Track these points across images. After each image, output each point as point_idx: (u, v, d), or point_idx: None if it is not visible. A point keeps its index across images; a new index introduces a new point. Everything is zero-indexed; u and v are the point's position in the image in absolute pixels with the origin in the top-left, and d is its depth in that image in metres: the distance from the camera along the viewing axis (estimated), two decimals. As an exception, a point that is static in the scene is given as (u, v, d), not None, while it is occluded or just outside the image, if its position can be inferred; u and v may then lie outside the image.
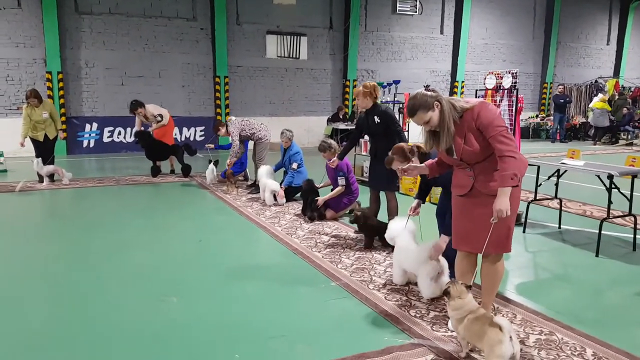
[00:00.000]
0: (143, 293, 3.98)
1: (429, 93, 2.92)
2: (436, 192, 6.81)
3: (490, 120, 2.82)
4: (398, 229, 4.06)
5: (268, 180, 7.22)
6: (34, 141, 8.67)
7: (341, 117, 15.29)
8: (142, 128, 9.60)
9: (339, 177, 6.17)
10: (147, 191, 8.45)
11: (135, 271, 4.51)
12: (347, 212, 6.47)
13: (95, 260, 4.83)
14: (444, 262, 3.70)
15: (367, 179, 8.39)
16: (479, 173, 2.95)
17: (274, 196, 7.18)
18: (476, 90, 9.10)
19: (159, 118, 9.48)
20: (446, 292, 2.91)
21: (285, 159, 7.56)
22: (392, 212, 5.30)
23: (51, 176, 8.79)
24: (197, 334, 3.27)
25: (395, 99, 8.51)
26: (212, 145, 9.17)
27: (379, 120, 5.15)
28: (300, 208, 6.68)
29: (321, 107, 16.38)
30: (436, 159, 3.30)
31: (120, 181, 9.19)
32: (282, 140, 7.54)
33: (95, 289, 4.08)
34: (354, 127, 13.65)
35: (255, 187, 8.12)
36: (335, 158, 5.87)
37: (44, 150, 8.71)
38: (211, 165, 8.92)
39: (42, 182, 8.66)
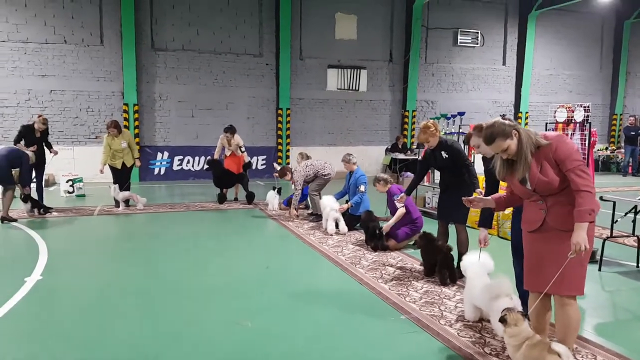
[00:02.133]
0: (216, 314, 4.15)
1: (507, 122, 2.91)
2: (506, 224, 6.70)
3: (568, 154, 2.79)
4: (470, 262, 4.00)
5: (331, 203, 7.32)
6: (112, 168, 9.29)
7: (400, 147, 15.31)
8: (219, 157, 10.11)
9: (395, 200, 6.09)
10: (214, 217, 8.80)
11: (208, 292, 4.71)
12: (412, 243, 6.44)
13: (170, 280, 5.10)
14: (516, 300, 3.59)
15: (430, 210, 8.46)
16: (552, 206, 2.87)
17: (336, 225, 7.26)
18: (546, 124, 8.87)
19: (243, 149, 10.07)
20: (502, 320, 2.85)
21: (350, 182, 7.68)
22: (463, 245, 5.20)
23: (127, 201, 9.36)
24: (268, 357, 3.36)
25: (460, 131, 8.46)
26: (277, 174, 9.46)
27: (447, 155, 5.16)
28: (363, 238, 6.70)
29: (379, 137, 16.52)
30: (505, 193, 3.26)
31: (190, 207, 9.63)
32: (347, 166, 7.70)
33: (173, 307, 4.30)
34: (412, 157, 13.86)
35: (315, 215, 8.29)
36: (403, 194, 5.84)
37: (121, 177, 9.31)
38: (274, 193, 9.20)
39: (119, 206, 9.22)
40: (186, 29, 14.28)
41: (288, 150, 15.33)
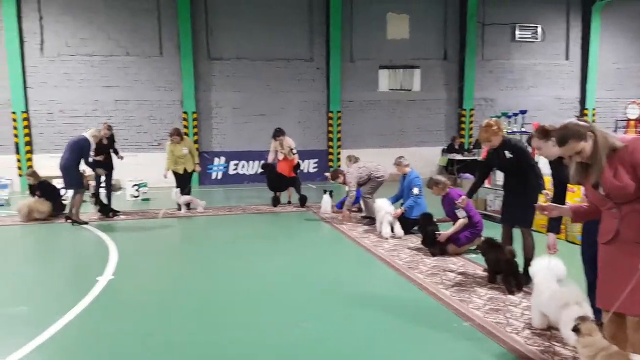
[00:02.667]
0: (273, 313, 4.23)
1: (581, 123, 2.71)
2: (574, 228, 6.33)
3: None
4: (540, 267, 3.80)
5: (386, 206, 7.18)
6: (175, 173, 9.66)
7: (457, 147, 14.91)
8: (272, 161, 10.24)
9: (456, 210, 5.96)
10: (269, 219, 8.96)
11: (265, 292, 4.81)
12: (473, 248, 6.23)
13: (229, 281, 5.24)
14: (587, 307, 3.36)
15: (490, 213, 8.14)
16: (626, 215, 2.64)
17: (391, 228, 7.13)
18: (616, 121, 8.33)
19: (294, 151, 10.16)
20: (576, 329, 2.69)
21: (404, 185, 7.50)
22: (528, 251, 4.93)
23: (188, 205, 9.69)
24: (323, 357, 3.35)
25: (523, 129, 8.09)
26: (329, 176, 9.47)
27: (511, 155, 4.92)
28: (420, 241, 6.53)
29: (434, 137, 16.17)
30: (585, 203, 3.06)
31: (245, 210, 9.85)
32: (399, 169, 7.53)
33: (231, 308, 4.41)
34: (470, 157, 13.44)
35: (369, 219, 8.19)
36: (463, 197, 5.66)
37: (183, 181, 9.66)
38: (327, 196, 9.21)
39: (180, 209, 9.58)
40: (239, 38, 14.62)
41: (339, 153, 15.33)
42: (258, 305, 4.49)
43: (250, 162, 14.97)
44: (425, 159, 15.50)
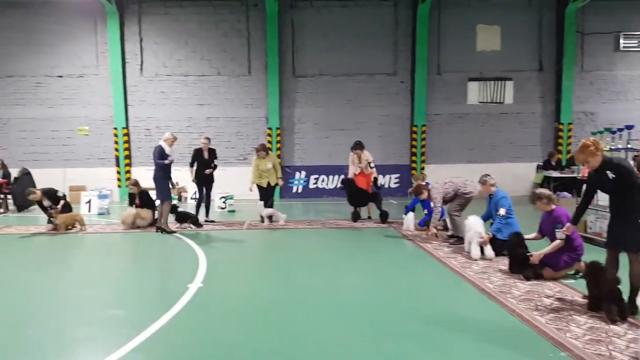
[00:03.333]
0: (355, 331, 4.10)
1: None
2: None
3: None
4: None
5: (476, 225, 6.75)
6: (259, 187, 9.91)
7: (554, 164, 13.89)
8: (352, 175, 10.16)
9: (557, 230, 5.47)
10: (349, 235, 8.86)
11: (347, 308, 4.70)
12: (572, 272, 5.70)
13: (309, 293, 5.23)
14: None
15: (591, 236, 7.44)
16: None
17: (481, 249, 6.71)
18: None
19: (372, 165, 10.02)
20: None
21: (491, 206, 7.06)
22: (637, 277, 4.42)
23: (270, 217, 9.88)
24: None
25: (629, 146, 7.32)
26: (412, 192, 9.23)
27: (613, 175, 4.45)
28: (508, 266, 6.07)
29: (528, 152, 15.24)
30: None
31: (325, 224, 9.84)
32: (484, 188, 7.02)
33: (315, 320, 4.39)
34: (569, 175, 12.42)
35: (456, 238, 7.79)
36: (568, 224, 5.16)
37: (266, 195, 9.88)
38: (410, 213, 8.95)
39: (263, 222, 9.80)
40: (323, 54, 14.87)
41: (423, 168, 14.92)
42: (340, 320, 4.40)
43: (330, 176, 15.08)
44: (518, 176, 14.68)
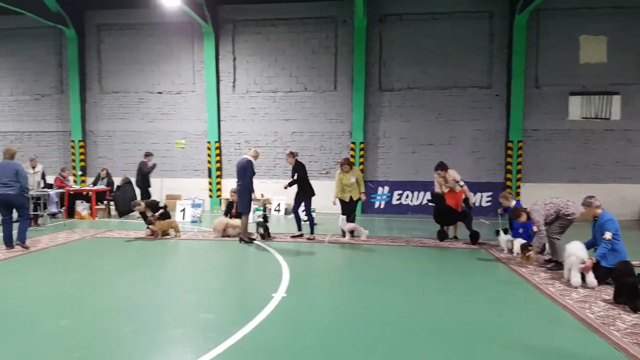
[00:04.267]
0: (444, 356, 3.87)
1: None
2: None
3: None
4: None
5: (578, 251, 6.18)
6: (341, 201, 9.86)
7: (666, 186, 12.48)
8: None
9: None
10: (435, 254, 8.46)
11: (433, 332, 4.44)
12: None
13: (392, 313, 5.01)
14: None
15: None
16: None
17: (582, 276, 6.12)
18: None
19: (461, 183, 9.52)
20: None
21: (595, 230, 6.42)
22: None
23: (352, 232, 9.78)
24: None
25: None
26: (501, 210, 8.72)
27: None
28: (613, 296, 5.47)
29: (637, 173, 13.88)
30: None
31: (409, 242, 9.52)
32: (588, 210, 6.43)
33: (399, 340, 4.21)
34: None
35: (554, 263, 7.17)
36: None
37: (348, 209, 9.79)
38: (503, 235, 8.41)
39: (345, 236, 9.73)
40: (412, 68, 14.64)
41: (518, 187, 14.06)
42: (426, 344, 4.17)
43: (415, 192, 14.69)
44: (625, 198, 13.42)
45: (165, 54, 15.63)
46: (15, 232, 8.40)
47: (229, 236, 9.78)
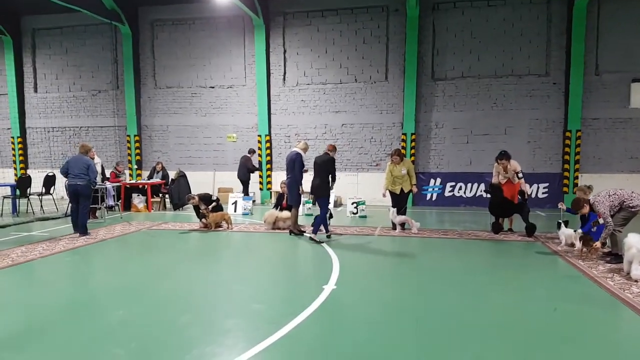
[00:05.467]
0: (502, 356, 3.79)
1: None
2: None
3: None
4: None
5: (638, 243, 5.96)
6: (392, 193, 9.82)
7: None
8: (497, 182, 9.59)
9: None
10: (490, 248, 8.30)
11: (485, 330, 4.37)
12: None
13: (444, 309, 4.95)
14: None
15: None
16: None
17: (644, 270, 5.88)
18: None
19: (520, 175, 9.31)
20: None
21: None
22: None
23: (402, 224, 9.74)
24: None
25: None
26: (563, 206, 8.42)
27: None
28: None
29: (703, 162, 13.01)
30: None
31: (462, 235, 9.38)
32: None
33: (448, 338, 4.13)
34: None
35: (614, 256, 6.91)
36: None
37: (399, 201, 9.75)
38: (564, 228, 8.15)
39: (395, 229, 9.69)
40: (467, 56, 14.30)
41: (576, 177, 13.50)
42: (477, 340, 4.12)
43: (469, 184, 14.38)
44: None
45: (217, 48, 16.00)
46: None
47: (279, 228, 9.95)
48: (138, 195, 13.39)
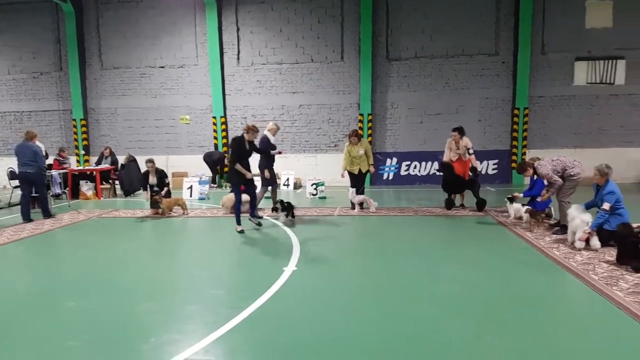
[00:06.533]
0: (453, 321, 3.99)
1: None
2: None
3: None
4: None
5: (580, 215, 6.34)
6: (350, 174, 9.92)
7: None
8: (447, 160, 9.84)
9: None
10: (443, 223, 8.59)
11: (443, 298, 4.57)
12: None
13: (403, 283, 5.12)
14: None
15: None
16: None
17: (587, 241, 6.26)
18: None
19: (471, 151, 9.61)
20: None
21: (597, 198, 6.51)
22: None
23: (361, 204, 9.88)
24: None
25: None
26: (518, 195, 8.72)
27: None
28: (616, 257, 5.65)
29: (641, 137, 13.87)
30: None
31: (418, 212, 9.64)
32: (594, 175, 6.50)
33: (407, 310, 4.28)
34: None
35: (560, 227, 7.30)
36: None
37: (357, 181, 9.87)
38: (514, 204, 8.50)
39: (354, 208, 9.82)
40: (420, 36, 14.46)
41: (524, 154, 14.08)
42: (436, 310, 4.30)
43: (423, 162, 14.72)
44: (629, 162, 13.53)
45: (167, 27, 15.45)
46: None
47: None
48: (86, 182, 12.86)
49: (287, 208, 8.74)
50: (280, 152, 9.52)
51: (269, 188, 9.58)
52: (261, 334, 3.86)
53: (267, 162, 9.25)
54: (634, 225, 5.54)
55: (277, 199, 9.32)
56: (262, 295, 4.71)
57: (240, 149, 7.89)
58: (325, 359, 3.40)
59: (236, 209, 8.11)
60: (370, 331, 3.86)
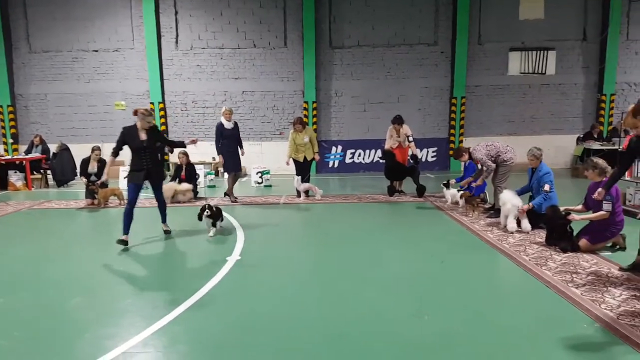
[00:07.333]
0: (395, 303, 4.14)
1: None
2: None
3: None
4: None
5: (512, 199, 6.69)
6: (295, 161, 9.91)
7: (595, 136, 13.40)
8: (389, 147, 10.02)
9: (605, 202, 5.31)
10: (385, 209, 8.81)
11: (383, 282, 4.70)
12: (609, 245, 5.65)
13: (347, 267, 5.23)
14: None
15: (630, 209, 7.22)
16: None
17: (518, 223, 6.62)
18: None
19: (410, 139, 9.85)
20: None
21: (532, 181, 6.87)
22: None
23: (307, 192, 9.93)
24: (446, 354, 3.18)
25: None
26: (453, 182, 9.06)
27: None
28: (545, 238, 6.04)
29: (569, 124, 14.78)
30: None
31: (362, 199, 9.81)
32: (529, 159, 6.88)
33: (352, 293, 4.39)
34: (610, 147, 11.93)
35: (494, 211, 7.68)
36: (601, 189, 5.12)
37: (303, 169, 9.88)
38: (450, 189, 8.84)
39: (300, 196, 9.86)
40: (362, 25, 14.57)
41: (461, 141, 14.64)
42: (378, 293, 4.41)
43: (367, 150, 14.96)
44: (559, 148, 14.43)
45: (100, 8, 14.64)
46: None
47: (179, 202, 9.61)
48: (15, 172, 12.09)
49: (214, 216, 6.90)
50: (194, 142, 7.42)
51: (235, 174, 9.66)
52: (202, 324, 3.81)
53: (227, 147, 9.27)
54: (571, 208, 5.85)
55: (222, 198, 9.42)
56: (204, 286, 4.64)
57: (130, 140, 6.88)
58: (267, 346, 3.41)
59: (124, 215, 6.48)
60: (313, 315, 3.91)
